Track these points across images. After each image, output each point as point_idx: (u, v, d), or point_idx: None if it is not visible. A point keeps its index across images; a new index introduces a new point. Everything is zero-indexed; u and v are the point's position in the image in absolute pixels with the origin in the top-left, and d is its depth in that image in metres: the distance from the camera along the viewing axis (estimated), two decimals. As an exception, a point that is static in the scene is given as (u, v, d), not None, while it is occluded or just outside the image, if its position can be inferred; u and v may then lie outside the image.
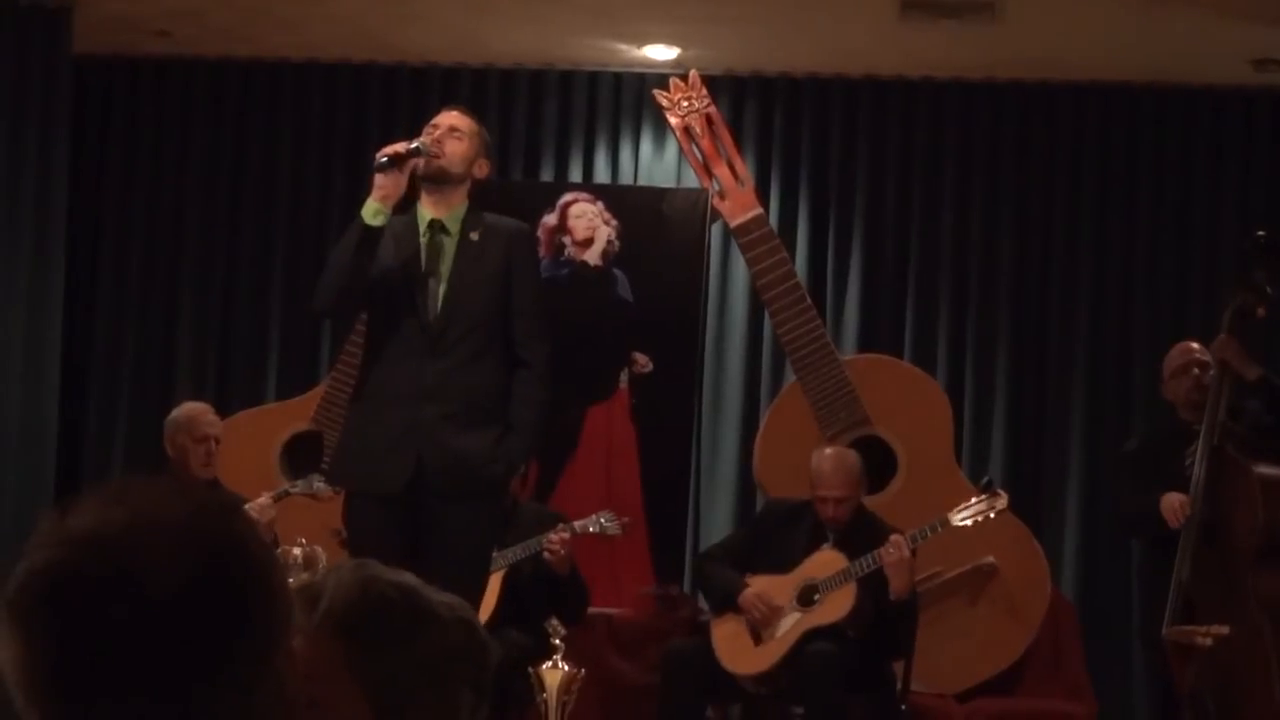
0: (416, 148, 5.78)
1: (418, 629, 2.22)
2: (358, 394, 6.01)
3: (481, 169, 5.97)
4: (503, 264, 5.88)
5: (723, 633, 7.27)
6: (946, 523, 7.26)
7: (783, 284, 8.09)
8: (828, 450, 7.46)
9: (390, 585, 2.24)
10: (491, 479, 5.86)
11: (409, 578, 2.30)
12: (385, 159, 5.72)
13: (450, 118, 5.95)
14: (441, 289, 5.82)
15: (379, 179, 5.73)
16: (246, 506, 7.34)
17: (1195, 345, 7.40)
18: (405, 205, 5.93)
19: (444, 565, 5.40)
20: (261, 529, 7.24)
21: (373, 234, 5.73)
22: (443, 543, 5.68)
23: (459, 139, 5.89)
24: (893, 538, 7.09)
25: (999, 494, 7.34)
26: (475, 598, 5.70)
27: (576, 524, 7.52)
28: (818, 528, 7.33)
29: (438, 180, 5.86)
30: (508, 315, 5.87)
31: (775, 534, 7.41)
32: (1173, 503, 6.89)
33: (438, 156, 5.82)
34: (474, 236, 5.88)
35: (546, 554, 7.37)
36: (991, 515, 7.29)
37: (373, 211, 5.72)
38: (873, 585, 7.10)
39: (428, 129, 5.90)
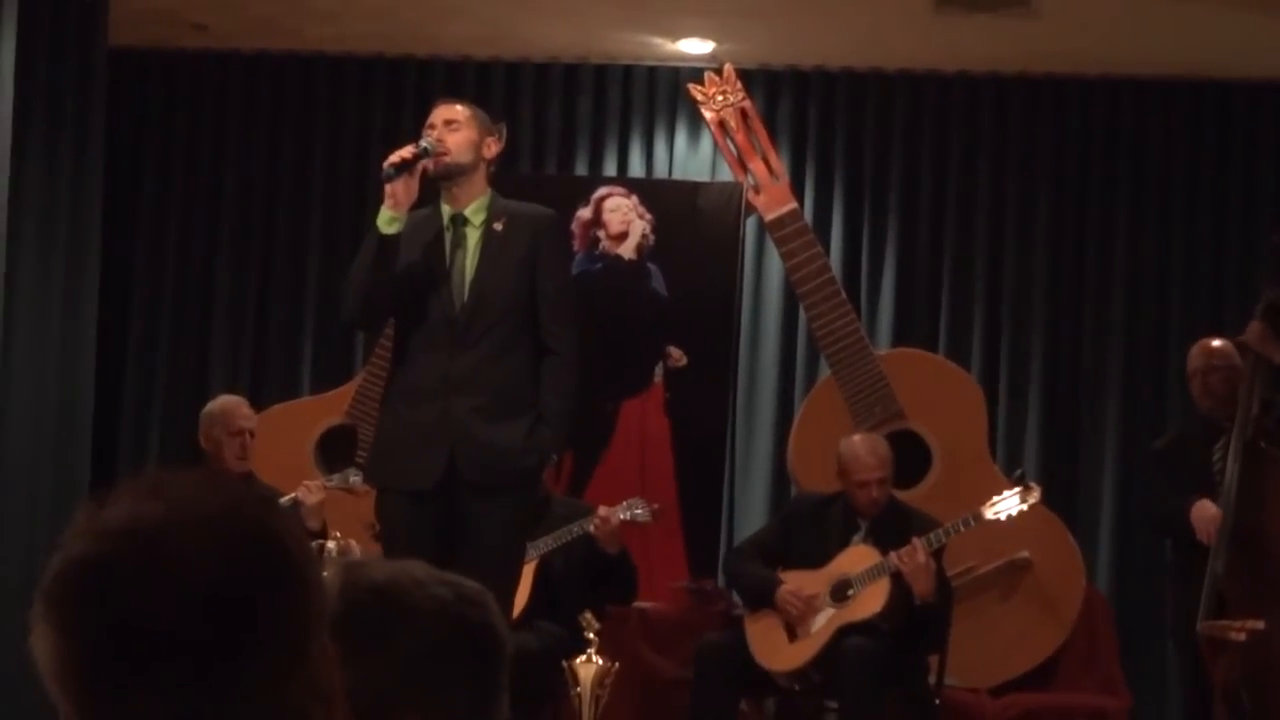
0: (424, 148, 5.75)
1: (392, 630, 2.14)
2: (388, 391, 6.01)
3: (490, 148, 5.95)
4: (528, 252, 5.85)
5: (757, 629, 7.26)
6: (979, 516, 7.25)
7: (817, 278, 8.08)
8: (855, 437, 7.45)
9: (366, 587, 2.19)
10: (524, 470, 5.84)
11: (401, 570, 2.24)
12: (392, 168, 5.70)
13: (442, 112, 5.91)
14: (467, 281, 5.81)
15: (389, 188, 5.71)
16: (300, 487, 7.40)
17: (1214, 344, 7.39)
18: (427, 200, 5.93)
19: (477, 559, 5.40)
20: (309, 512, 7.30)
21: (389, 243, 5.72)
22: (476, 536, 5.67)
23: (456, 129, 5.85)
24: (906, 548, 7.06)
25: (1031, 486, 7.32)
26: (509, 590, 5.70)
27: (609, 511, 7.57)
28: (848, 519, 7.31)
29: (450, 175, 5.84)
30: (534, 303, 5.85)
31: (805, 528, 7.40)
32: (1205, 513, 6.88)
33: (444, 154, 5.80)
34: (498, 226, 5.85)
35: (594, 528, 7.42)
36: (1025, 508, 7.28)
37: (387, 220, 5.71)
38: (906, 580, 7.08)
39: (425, 131, 5.87)
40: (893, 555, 7.07)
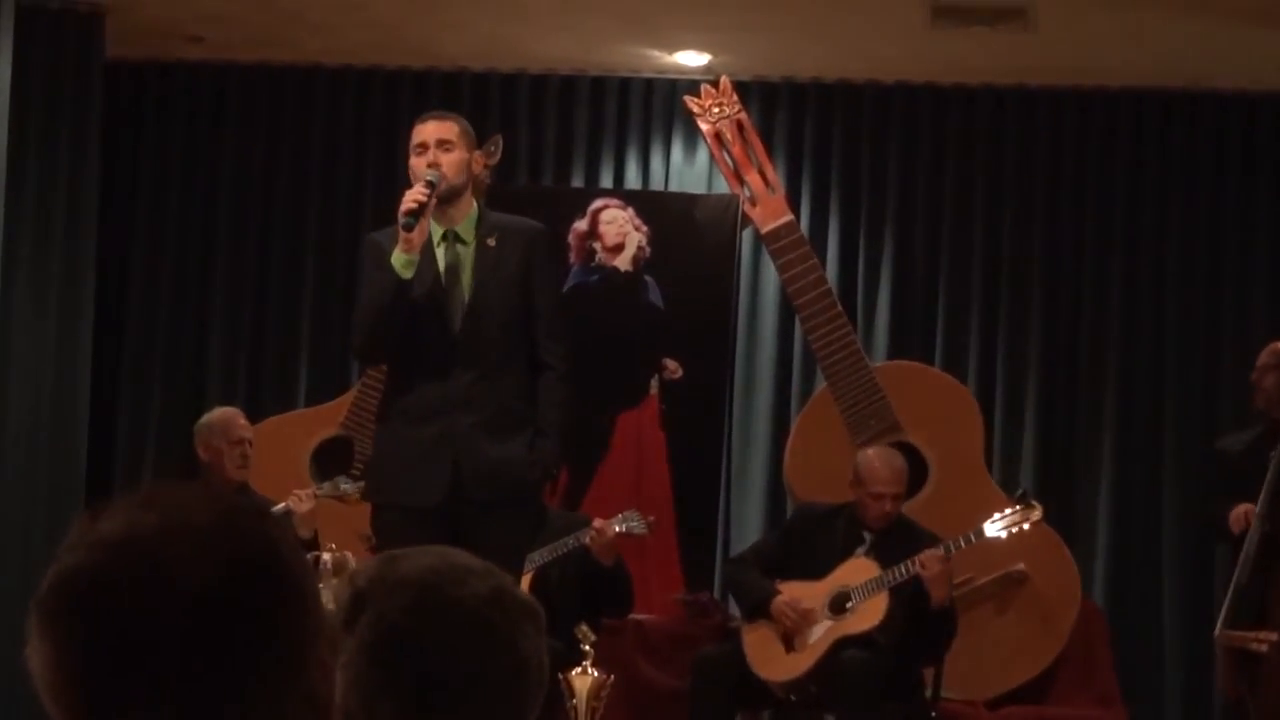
0: (430, 182, 5.67)
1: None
2: (386, 410, 5.96)
3: (478, 162, 5.93)
4: (522, 267, 5.83)
5: (754, 639, 7.26)
6: (981, 533, 7.26)
7: (813, 290, 8.08)
8: (872, 450, 7.47)
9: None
10: (529, 485, 5.86)
11: (407, 569, 2.17)
12: (411, 217, 5.60)
13: (434, 130, 5.83)
14: (465, 299, 5.78)
15: (406, 235, 5.63)
16: (291, 496, 7.39)
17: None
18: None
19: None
20: (301, 520, 7.29)
21: (407, 286, 5.68)
22: (478, 551, 5.61)
23: (449, 149, 5.78)
24: (928, 552, 7.07)
25: (1034, 505, 7.33)
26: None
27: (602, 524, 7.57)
28: (853, 531, 7.32)
29: (449, 198, 5.79)
30: (529, 318, 5.85)
31: (807, 539, 7.41)
32: (1238, 512, 6.89)
33: (444, 178, 5.74)
34: (491, 242, 5.83)
35: (589, 539, 7.43)
36: (1026, 527, 7.28)
37: (404, 264, 5.65)
38: (904, 594, 7.09)
39: (415, 149, 5.79)
40: (896, 568, 7.08)
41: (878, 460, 7.34)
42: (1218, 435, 8.09)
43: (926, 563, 7.06)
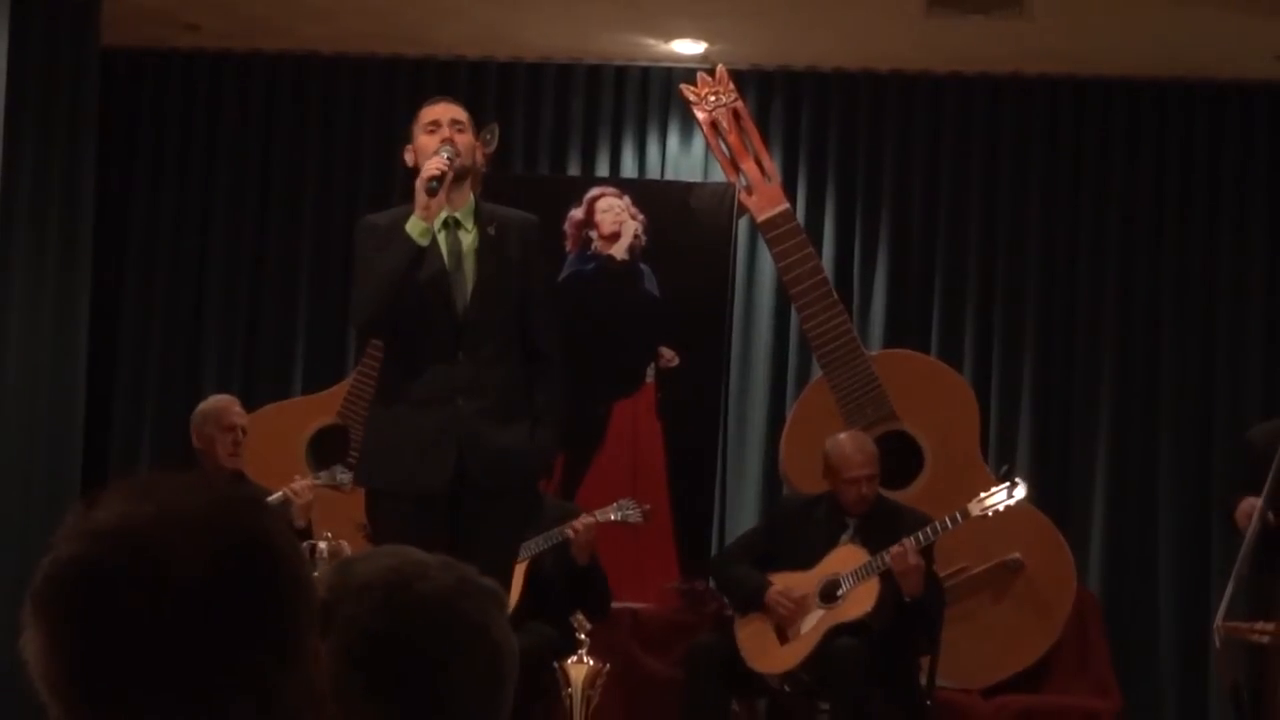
0: (448, 158, 5.72)
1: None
2: (385, 395, 5.93)
3: (478, 150, 5.96)
4: (519, 257, 5.86)
5: (747, 632, 7.26)
6: (966, 514, 7.25)
7: (809, 279, 8.08)
8: (842, 435, 7.44)
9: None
10: (532, 472, 5.92)
11: (366, 570, 2.17)
12: (435, 182, 5.66)
13: (448, 111, 5.88)
14: (469, 286, 5.79)
15: (430, 200, 5.67)
16: (290, 486, 7.39)
17: None
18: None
19: (475, 560, 5.37)
20: (296, 510, 7.29)
21: (422, 254, 5.71)
22: (477, 538, 5.62)
23: (462, 130, 5.84)
24: (895, 548, 7.05)
25: (1017, 482, 7.32)
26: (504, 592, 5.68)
27: (598, 513, 7.55)
28: (835, 519, 7.31)
29: (461, 179, 5.84)
30: (525, 307, 5.87)
31: (790, 531, 7.40)
32: (1245, 506, 6.89)
33: (459, 154, 5.79)
34: (492, 231, 5.85)
35: (570, 534, 7.41)
36: (1011, 503, 7.27)
37: (420, 231, 5.68)
38: (895, 579, 7.08)
39: (427, 127, 5.82)
40: (883, 554, 7.07)
41: (848, 445, 7.32)
42: (1250, 423, 8.03)
43: (896, 558, 7.05)
